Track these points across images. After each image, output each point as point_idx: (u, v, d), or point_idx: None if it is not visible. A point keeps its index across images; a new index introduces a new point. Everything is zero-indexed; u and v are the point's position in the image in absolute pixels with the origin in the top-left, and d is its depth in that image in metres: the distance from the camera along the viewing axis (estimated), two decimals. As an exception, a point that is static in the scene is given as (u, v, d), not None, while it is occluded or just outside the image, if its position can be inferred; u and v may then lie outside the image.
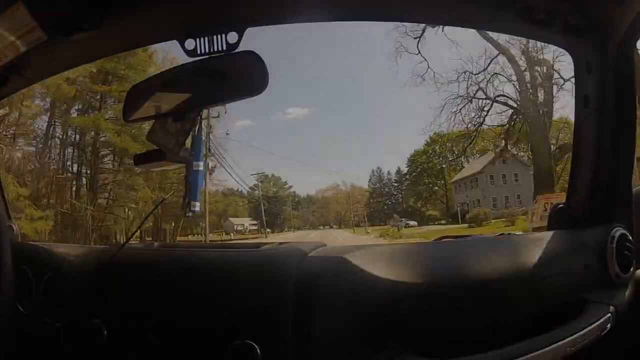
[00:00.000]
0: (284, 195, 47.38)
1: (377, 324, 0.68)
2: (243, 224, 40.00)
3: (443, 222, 27.66)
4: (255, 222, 40.08)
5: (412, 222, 28.38)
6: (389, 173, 46.22)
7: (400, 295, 0.70)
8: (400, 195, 43.67)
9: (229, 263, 0.78)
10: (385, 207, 43.73)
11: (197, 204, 0.82)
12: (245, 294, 0.70)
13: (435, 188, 36.50)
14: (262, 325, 0.67)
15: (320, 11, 0.84)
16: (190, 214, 0.83)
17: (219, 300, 0.71)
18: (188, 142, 0.80)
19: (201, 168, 0.80)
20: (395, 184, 44.82)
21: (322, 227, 46.22)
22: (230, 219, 39.50)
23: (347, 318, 0.67)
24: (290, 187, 48.64)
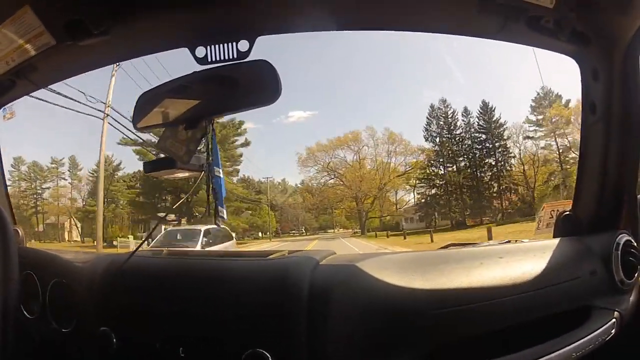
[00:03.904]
0: (232, 143, 23.16)
1: (388, 331, 0.68)
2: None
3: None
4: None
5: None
6: (467, 112, 22.12)
7: (411, 303, 0.71)
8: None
9: (240, 272, 0.78)
10: (464, 189, 20.66)
11: (224, 210, 0.82)
12: (258, 303, 0.70)
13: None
14: (275, 334, 0.67)
15: (330, 20, 0.84)
16: (220, 221, 0.83)
17: (230, 309, 0.72)
18: (201, 148, 0.80)
19: (221, 175, 0.81)
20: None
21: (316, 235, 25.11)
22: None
23: (360, 327, 0.67)
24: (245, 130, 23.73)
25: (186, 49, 0.83)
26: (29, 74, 1.06)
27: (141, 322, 0.79)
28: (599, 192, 0.99)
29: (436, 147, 22.92)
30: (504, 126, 22.31)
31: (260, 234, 25.50)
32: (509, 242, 0.99)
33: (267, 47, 0.84)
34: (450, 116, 22.87)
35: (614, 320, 0.89)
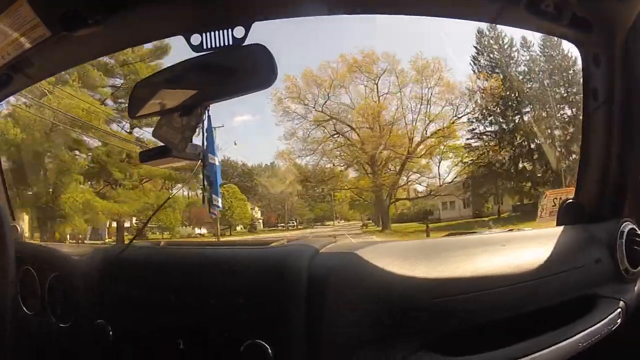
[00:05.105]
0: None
1: (389, 320, 0.67)
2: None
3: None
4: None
5: None
6: (525, 43, 13.33)
7: (411, 291, 0.69)
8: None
9: (239, 261, 0.76)
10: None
11: (219, 199, 0.81)
12: (256, 293, 0.69)
13: None
14: (274, 324, 0.66)
15: (328, 4, 0.84)
16: (215, 211, 0.82)
17: (228, 299, 0.70)
18: (197, 137, 0.79)
19: (217, 162, 0.79)
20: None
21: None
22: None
23: (359, 315, 0.66)
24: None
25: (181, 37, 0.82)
26: (25, 67, 1.05)
27: (137, 313, 0.78)
28: (602, 179, 0.98)
29: (492, 89, 13.42)
30: (577, 65, 10.18)
31: (240, 228, 16.58)
32: (511, 230, 0.97)
33: (262, 34, 0.83)
34: (506, 46, 13.89)
35: (619, 309, 0.87)
